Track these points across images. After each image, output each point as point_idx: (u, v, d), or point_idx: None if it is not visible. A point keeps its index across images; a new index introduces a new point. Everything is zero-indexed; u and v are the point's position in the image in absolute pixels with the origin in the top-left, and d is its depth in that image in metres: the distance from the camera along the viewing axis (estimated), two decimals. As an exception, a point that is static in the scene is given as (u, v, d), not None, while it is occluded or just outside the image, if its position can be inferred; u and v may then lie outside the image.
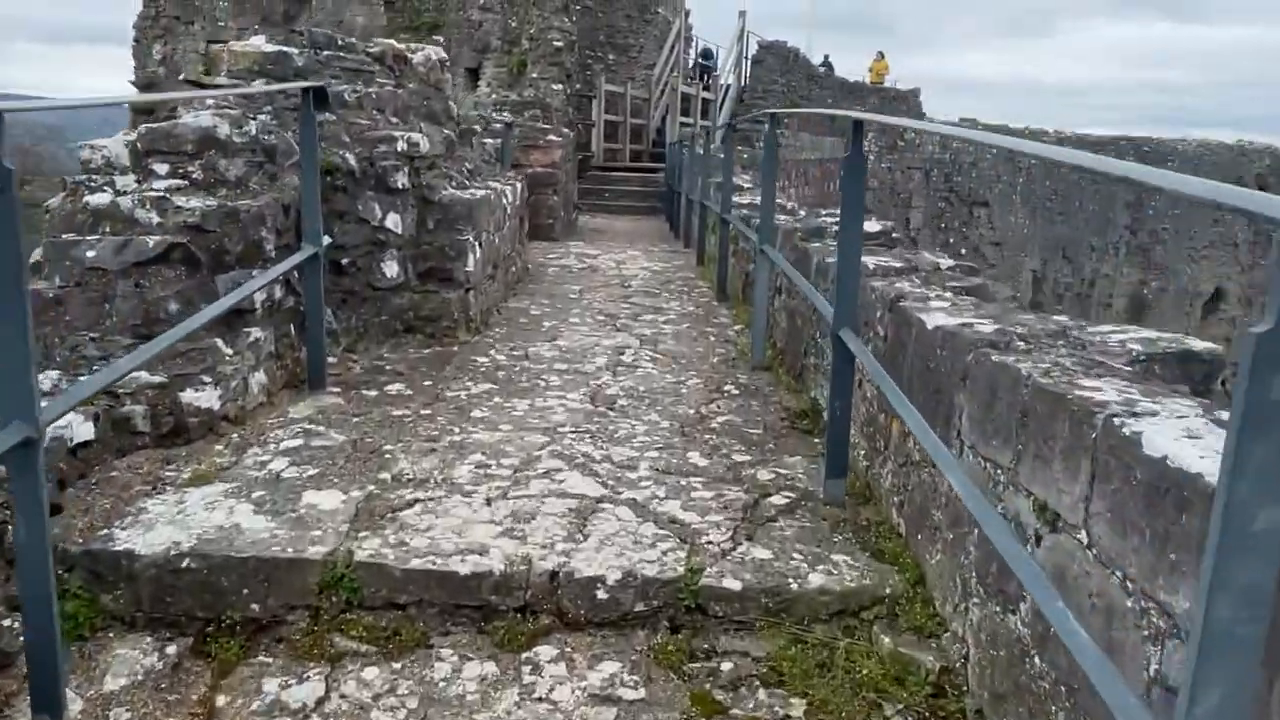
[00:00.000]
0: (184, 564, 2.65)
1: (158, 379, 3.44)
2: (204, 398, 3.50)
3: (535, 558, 2.74)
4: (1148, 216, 45.29)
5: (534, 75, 17.88)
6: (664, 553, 2.81)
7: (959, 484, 2.21)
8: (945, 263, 4.42)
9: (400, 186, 5.11)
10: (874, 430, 3.40)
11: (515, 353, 5.21)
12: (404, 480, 3.27)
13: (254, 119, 4.56)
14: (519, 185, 7.50)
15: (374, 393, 4.28)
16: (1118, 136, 44.12)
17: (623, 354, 5.30)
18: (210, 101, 4.53)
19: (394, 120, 5.42)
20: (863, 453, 3.52)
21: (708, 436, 3.91)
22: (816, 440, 3.97)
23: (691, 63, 23.47)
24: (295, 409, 4.00)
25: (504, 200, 6.66)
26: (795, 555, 2.84)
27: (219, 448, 3.48)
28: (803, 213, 6.64)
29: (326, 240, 4.26)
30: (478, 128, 7.61)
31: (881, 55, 33.11)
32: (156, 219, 3.78)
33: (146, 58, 21.89)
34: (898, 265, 3.92)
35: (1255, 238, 44.47)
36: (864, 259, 4.13)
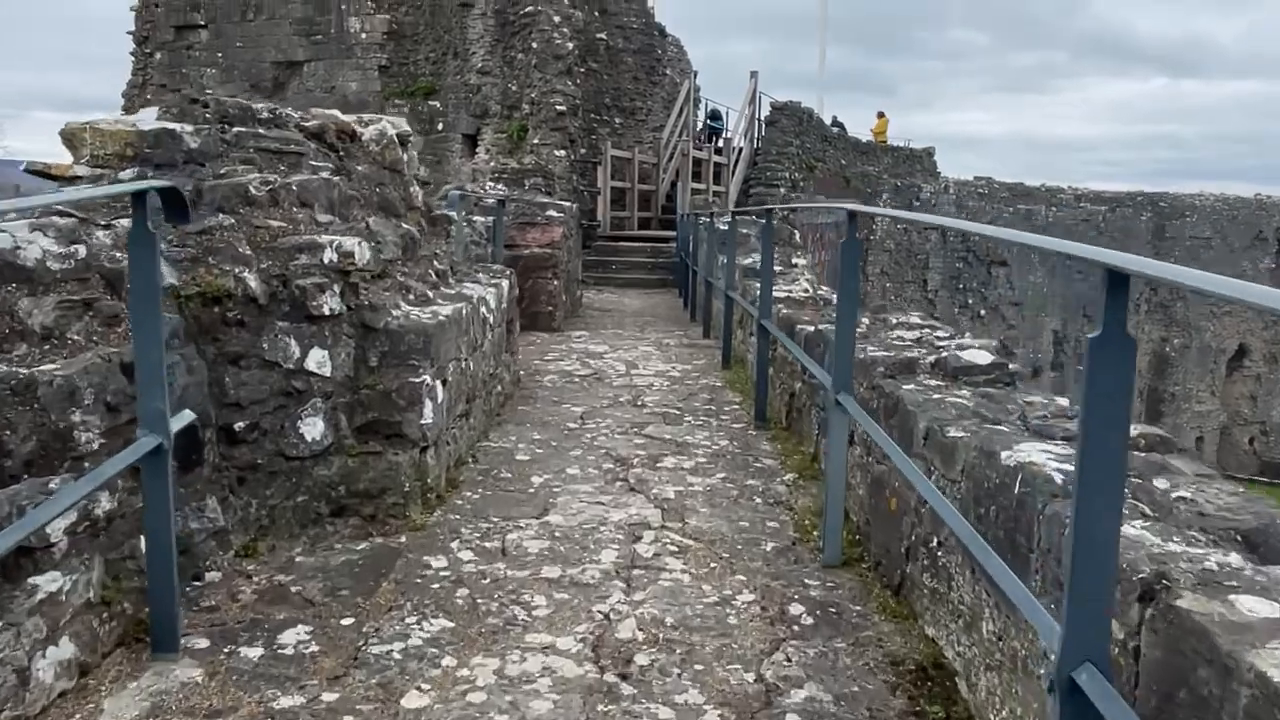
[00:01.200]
0: None
1: None
2: (-90, 742, 1.98)
3: None
4: (1167, 272, 44.02)
5: (535, 141, 16.66)
6: None
7: None
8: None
9: (328, 312, 3.64)
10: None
11: (487, 544, 3.68)
12: None
13: (101, 229, 3.11)
14: (506, 282, 6.03)
15: (258, 651, 2.75)
16: (1134, 192, 43.27)
17: (639, 539, 3.76)
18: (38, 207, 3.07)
19: (325, 219, 3.97)
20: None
21: (785, 751, 2.35)
22: (961, 747, 2.42)
23: (700, 124, 22.34)
24: (119, 701, 2.47)
25: (484, 309, 5.19)
26: None
27: (-67, 833, 1.95)
28: (865, 319, 5.15)
29: (185, 419, 2.76)
30: (452, 214, 6.17)
31: (882, 114, 32.20)
32: (-122, 410, 2.29)
33: (133, 127, 20.80)
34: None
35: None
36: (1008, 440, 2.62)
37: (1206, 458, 43.08)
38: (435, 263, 5.13)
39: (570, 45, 16.73)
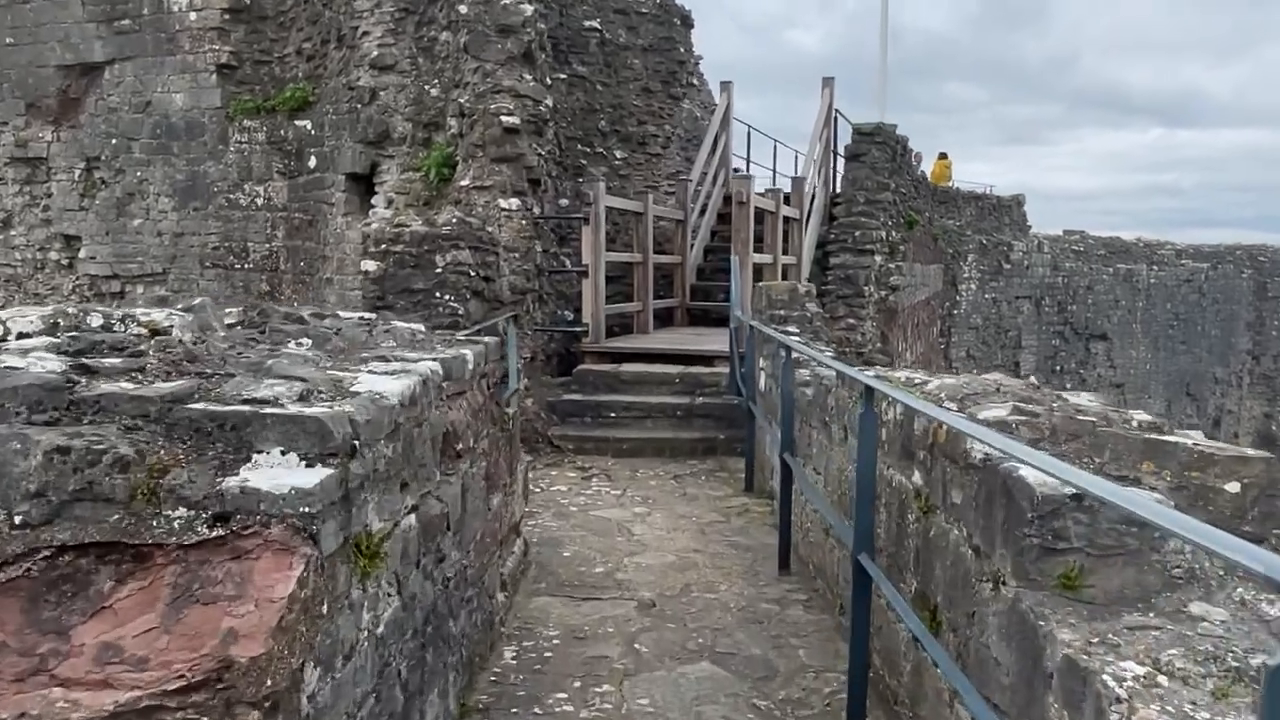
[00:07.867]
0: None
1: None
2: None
3: None
4: (1271, 338, 36.29)
5: (465, 182, 8.59)
6: None
7: None
8: None
9: None
10: None
11: None
12: None
13: None
14: None
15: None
16: (1232, 245, 36.66)
17: None
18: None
19: None
20: None
21: None
22: None
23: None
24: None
25: None
26: None
27: None
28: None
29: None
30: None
31: (944, 155, 24.18)
32: None
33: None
34: None
35: (1400, 359, 35.49)
36: None
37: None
38: None
39: (529, 9, 8.73)
